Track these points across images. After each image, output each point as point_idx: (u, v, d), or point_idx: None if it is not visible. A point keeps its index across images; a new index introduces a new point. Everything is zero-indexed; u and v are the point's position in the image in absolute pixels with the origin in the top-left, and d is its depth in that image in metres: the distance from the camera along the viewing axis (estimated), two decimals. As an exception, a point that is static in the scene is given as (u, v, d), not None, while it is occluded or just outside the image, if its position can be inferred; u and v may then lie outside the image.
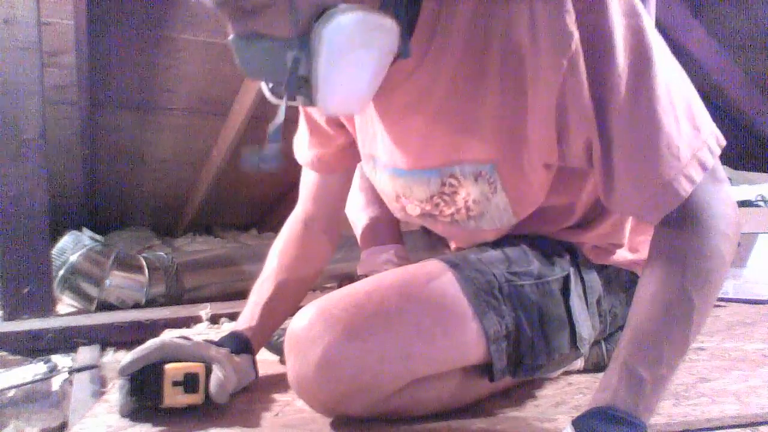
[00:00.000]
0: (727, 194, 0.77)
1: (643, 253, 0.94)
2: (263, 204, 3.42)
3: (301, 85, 0.71)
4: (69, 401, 1.13)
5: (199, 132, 2.71)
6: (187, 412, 0.87)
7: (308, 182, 1.11)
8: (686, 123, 0.74)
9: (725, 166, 2.59)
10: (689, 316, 0.71)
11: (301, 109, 1.03)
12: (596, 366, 1.05)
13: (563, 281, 0.91)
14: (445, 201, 0.91)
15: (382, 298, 0.81)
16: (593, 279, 0.96)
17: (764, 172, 2.61)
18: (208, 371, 0.89)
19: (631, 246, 1.01)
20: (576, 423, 0.68)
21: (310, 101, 0.73)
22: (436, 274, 0.85)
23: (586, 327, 0.92)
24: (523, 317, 0.85)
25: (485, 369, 0.86)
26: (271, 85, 0.77)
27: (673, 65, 0.76)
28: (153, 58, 2.30)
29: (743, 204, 2.05)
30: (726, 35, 2.71)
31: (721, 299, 1.74)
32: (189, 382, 0.86)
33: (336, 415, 0.85)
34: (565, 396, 0.95)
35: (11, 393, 1.14)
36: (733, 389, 0.95)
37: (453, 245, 1.11)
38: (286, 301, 1.08)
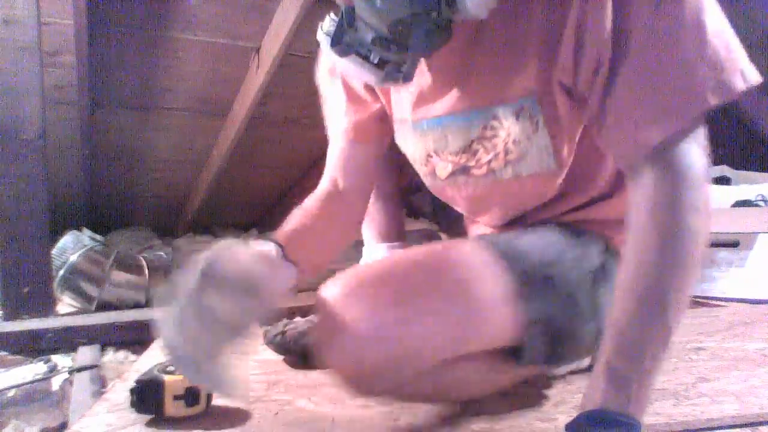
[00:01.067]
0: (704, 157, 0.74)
1: None
2: (263, 204, 3.42)
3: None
4: (69, 401, 1.13)
5: (199, 132, 2.71)
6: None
7: (338, 154, 1.07)
8: (717, 45, 0.70)
9: (725, 166, 2.58)
10: (665, 301, 0.69)
11: (339, 76, 1.03)
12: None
13: (595, 272, 0.90)
14: (485, 146, 0.89)
15: (426, 269, 0.82)
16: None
17: (764, 171, 2.61)
18: None
19: None
20: (569, 428, 0.67)
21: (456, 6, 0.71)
22: (476, 253, 0.85)
23: None
24: (555, 305, 0.85)
25: (513, 353, 0.85)
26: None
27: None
28: (153, 58, 2.30)
29: (743, 204, 2.05)
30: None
31: (721, 299, 1.74)
32: (190, 395, 0.87)
33: (359, 392, 0.83)
34: (566, 395, 0.95)
35: (11, 393, 1.14)
36: (733, 389, 0.95)
37: (474, 229, 1.08)
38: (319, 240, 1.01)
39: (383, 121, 1.04)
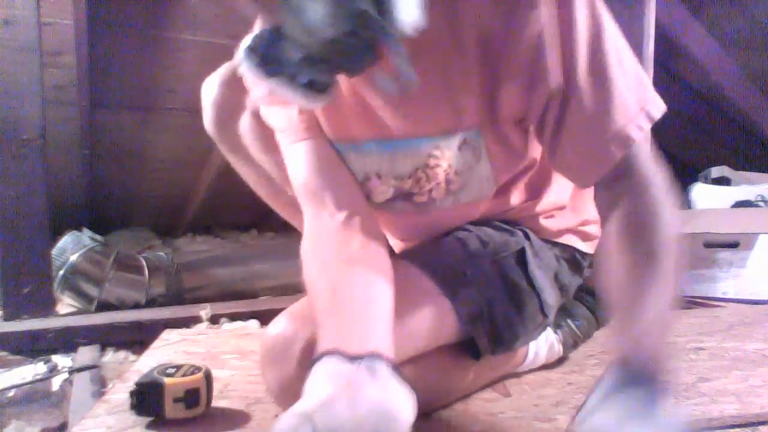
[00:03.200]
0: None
1: (582, 216, 1.02)
2: (264, 204, 3.40)
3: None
4: (69, 401, 1.13)
5: (200, 132, 2.69)
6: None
7: (307, 161, 0.93)
8: (635, 81, 0.78)
9: (725, 167, 2.59)
10: (659, 274, 0.70)
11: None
12: (575, 345, 1.12)
13: (519, 254, 0.94)
14: (427, 175, 0.90)
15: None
16: (548, 256, 0.99)
17: (764, 172, 2.61)
18: (209, 380, 0.90)
19: (572, 207, 1.03)
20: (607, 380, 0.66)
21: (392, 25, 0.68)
22: (402, 268, 0.87)
23: (551, 294, 0.96)
24: (491, 294, 0.89)
25: (469, 351, 0.90)
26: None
27: (623, 42, 0.79)
28: (153, 58, 2.29)
29: (743, 204, 2.06)
30: (726, 35, 2.71)
31: (721, 299, 1.74)
32: (190, 397, 0.87)
33: None
34: (565, 396, 0.95)
35: (11, 393, 1.14)
36: (733, 389, 0.96)
37: (400, 245, 1.07)
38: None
39: None
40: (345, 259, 0.82)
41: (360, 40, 0.68)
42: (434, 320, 0.86)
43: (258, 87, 0.97)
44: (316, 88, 0.73)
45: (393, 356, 0.71)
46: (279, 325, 0.84)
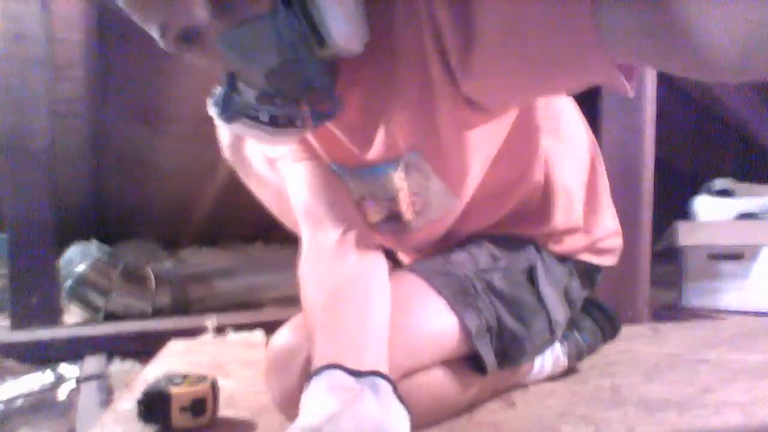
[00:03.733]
0: None
1: (596, 234, 1.01)
2: (269, 216, 3.41)
3: (308, 38, 0.70)
4: (76, 410, 1.14)
5: (206, 144, 2.70)
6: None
7: (304, 181, 0.97)
8: None
9: (728, 178, 2.57)
10: None
11: None
12: (580, 357, 1.11)
13: (530, 271, 0.95)
14: (399, 198, 0.92)
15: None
16: (559, 271, 0.99)
17: (768, 184, 2.61)
18: (215, 390, 0.91)
19: (586, 228, 1.03)
20: None
21: (325, 43, 0.70)
22: (408, 281, 0.89)
23: (559, 312, 0.97)
24: (500, 309, 0.89)
25: (475, 367, 0.89)
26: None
27: None
28: (160, 71, 2.32)
29: (747, 216, 2.05)
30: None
31: (725, 311, 1.74)
32: (196, 407, 0.88)
33: None
34: (570, 406, 0.95)
35: (19, 402, 1.15)
36: (737, 400, 0.96)
37: (409, 256, 1.10)
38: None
39: None
40: (340, 277, 0.84)
41: (301, 65, 0.71)
42: (440, 335, 0.86)
43: (225, 134, 1.03)
44: (280, 123, 0.76)
45: (388, 373, 0.73)
46: (282, 336, 0.86)
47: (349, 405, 0.65)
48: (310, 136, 0.92)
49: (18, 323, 1.60)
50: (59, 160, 1.78)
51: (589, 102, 1.29)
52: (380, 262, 0.88)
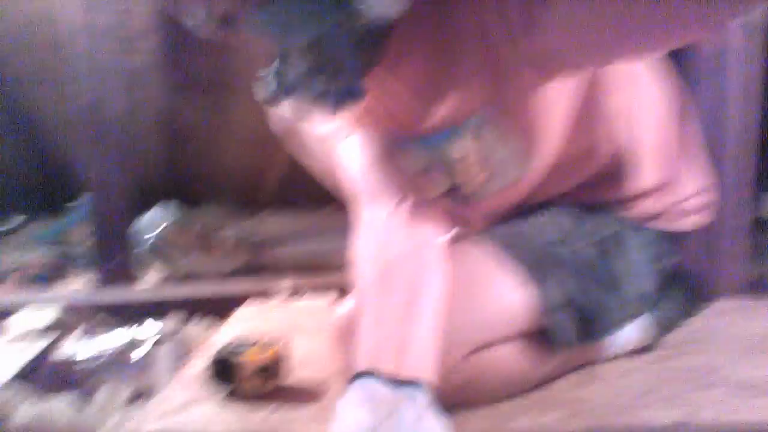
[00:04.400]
0: None
1: (685, 192, 0.96)
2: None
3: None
4: (154, 368, 1.18)
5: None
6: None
7: (359, 156, 0.97)
8: None
9: None
10: None
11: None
12: (664, 331, 1.03)
13: (614, 237, 0.90)
14: (464, 166, 0.87)
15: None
16: (642, 238, 0.93)
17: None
18: (284, 356, 0.92)
19: (672, 188, 0.95)
20: None
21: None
22: (481, 253, 0.85)
23: (645, 282, 0.92)
24: (582, 280, 0.85)
25: (553, 341, 0.85)
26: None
27: None
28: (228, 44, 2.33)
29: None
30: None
31: None
32: (266, 371, 0.89)
33: None
34: (652, 385, 0.90)
35: (101, 359, 1.19)
36: None
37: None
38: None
39: None
40: (391, 254, 0.82)
41: (342, 31, 0.71)
42: (514, 309, 0.83)
43: (276, 113, 1.04)
44: (335, 97, 0.76)
45: (433, 374, 0.71)
46: (346, 305, 0.85)
47: (385, 420, 0.65)
48: (364, 109, 0.89)
49: (101, 282, 1.67)
50: (136, 127, 1.83)
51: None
52: (436, 234, 0.86)
